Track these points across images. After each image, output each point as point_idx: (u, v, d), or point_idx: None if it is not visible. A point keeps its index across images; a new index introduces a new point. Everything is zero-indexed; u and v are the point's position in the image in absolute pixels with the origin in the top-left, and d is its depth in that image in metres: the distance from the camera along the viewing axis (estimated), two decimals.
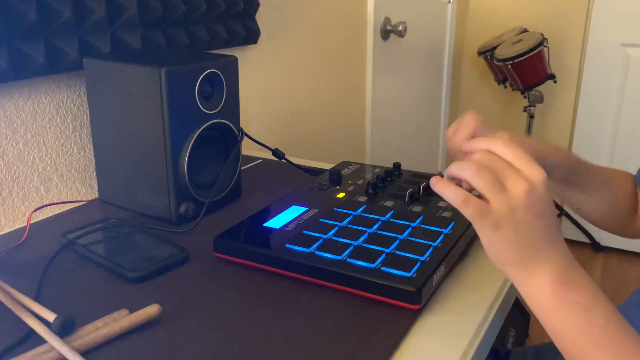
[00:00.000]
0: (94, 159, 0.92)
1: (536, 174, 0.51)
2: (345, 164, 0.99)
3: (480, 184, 0.51)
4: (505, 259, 0.52)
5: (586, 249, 2.72)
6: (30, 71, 0.81)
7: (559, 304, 0.49)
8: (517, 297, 0.77)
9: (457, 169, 0.53)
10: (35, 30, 0.81)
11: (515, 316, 1.21)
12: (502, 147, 0.53)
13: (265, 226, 0.73)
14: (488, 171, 0.51)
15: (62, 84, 0.90)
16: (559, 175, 0.74)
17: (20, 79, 0.82)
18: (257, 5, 1.24)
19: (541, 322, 0.51)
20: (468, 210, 0.51)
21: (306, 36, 1.52)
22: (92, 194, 0.97)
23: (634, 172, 0.85)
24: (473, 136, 0.69)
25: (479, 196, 0.52)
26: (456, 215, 0.76)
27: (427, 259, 0.64)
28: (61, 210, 0.88)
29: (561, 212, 2.61)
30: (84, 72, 0.84)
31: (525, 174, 0.51)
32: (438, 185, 0.53)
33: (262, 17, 1.31)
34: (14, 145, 0.84)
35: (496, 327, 0.64)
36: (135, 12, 0.94)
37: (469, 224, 0.74)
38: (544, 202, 0.51)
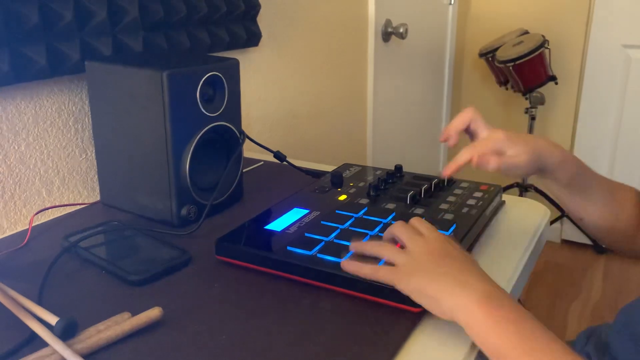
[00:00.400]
0: (95, 162, 0.92)
1: (433, 233, 0.62)
2: (347, 166, 0.99)
3: (384, 255, 0.61)
4: (433, 295, 0.55)
5: (588, 251, 2.72)
6: (32, 74, 0.81)
7: (489, 321, 0.52)
8: (519, 300, 0.77)
9: (364, 248, 0.64)
10: (37, 33, 0.81)
11: None
12: (413, 220, 0.65)
13: (266, 229, 0.73)
14: (386, 244, 0.62)
15: (64, 87, 0.90)
16: (563, 176, 0.73)
17: (22, 82, 0.82)
18: (259, 7, 1.25)
19: (479, 345, 0.53)
20: (381, 275, 0.59)
21: (307, 38, 1.52)
22: (94, 196, 0.97)
23: (637, 175, 0.84)
24: (468, 128, 0.76)
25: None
26: (458, 217, 0.76)
27: None
28: (63, 213, 0.88)
29: (563, 214, 2.60)
30: (86, 75, 0.84)
31: (424, 235, 0.62)
32: (350, 267, 0.61)
33: (263, 20, 1.31)
34: (16, 148, 0.85)
35: None
36: (137, 15, 0.95)
37: (471, 226, 0.74)
38: (445, 247, 0.60)
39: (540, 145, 0.71)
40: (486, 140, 0.71)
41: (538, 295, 2.37)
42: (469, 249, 0.74)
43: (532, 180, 2.66)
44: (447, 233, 0.71)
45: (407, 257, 0.59)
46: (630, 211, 0.81)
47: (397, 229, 0.63)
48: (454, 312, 0.54)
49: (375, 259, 0.62)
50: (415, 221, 0.65)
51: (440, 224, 0.73)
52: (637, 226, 0.82)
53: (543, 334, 0.51)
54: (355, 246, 0.65)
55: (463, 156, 0.69)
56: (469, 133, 0.77)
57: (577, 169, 0.74)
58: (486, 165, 0.67)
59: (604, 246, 0.90)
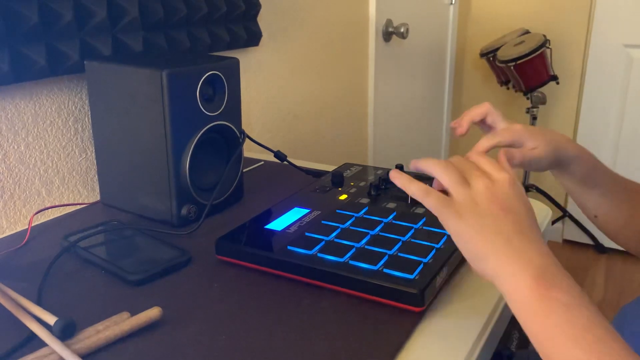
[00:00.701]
0: (95, 162, 0.92)
1: (500, 173, 0.54)
2: (348, 165, 0.98)
3: (444, 179, 0.53)
4: (476, 251, 0.50)
5: (590, 251, 2.71)
6: (31, 74, 0.81)
7: (540, 301, 0.46)
8: None
9: (424, 164, 0.55)
10: (36, 33, 0.81)
11: None
12: (474, 154, 0.57)
13: (267, 228, 0.73)
14: (453, 168, 0.54)
15: (64, 87, 0.90)
16: (579, 171, 0.72)
17: (22, 82, 0.82)
18: (259, 7, 1.24)
19: (521, 324, 0.48)
20: (430, 200, 0.52)
21: (308, 38, 1.51)
22: (94, 196, 0.97)
23: (638, 175, 0.83)
24: (484, 122, 0.74)
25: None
26: None
27: (430, 261, 0.63)
28: (62, 212, 0.88)
29: (564, 214, 2.60)
30: (86, 75, 0.84)
31: (489, 174, 0.54)
32: (399, 179, 0.55)
33: (264, 19, 1.31)
34: (16, 147, 0.84)
35: (500, 330, 0.63)
36: (137, 15, 0.94)
37: None
38: (510, 197, 0.52)
39: (558, 138, 0.69)
40: (506, 131, 0.69)
41: None
42: None
43: (534, 180, 2.66)
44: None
45: (467, 194, 0.52)
46: None
47: (460, 162, 0.56)
48: (498, 277, 0.49)
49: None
50: (480, 158, 0.57)
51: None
52: None
53: (600, 325, 0.45)
54: (414, 162, 0.57)
55: (483, 144, 0.65)
56: (484, 126, 0.76)
57: (592, 165, 0.73)
58: (511, 159, 0.63)
59: (619, 246, 0.88)
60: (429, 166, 0.55)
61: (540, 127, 0.72)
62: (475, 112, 0.74)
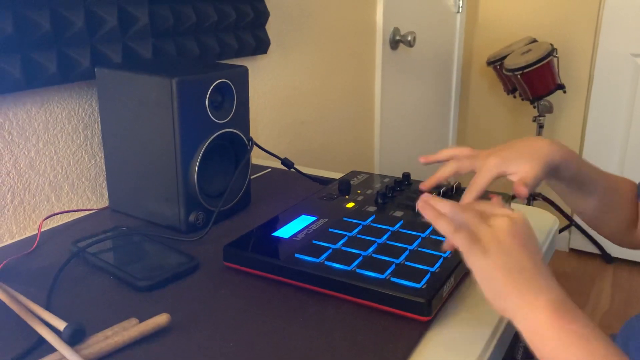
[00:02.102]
0: (104, 168, 0.92)
1: (515, 213, 0.55)
2: (355, 173, 0.99)
3: (465, 217, 0.55)
4: (499, 289, 0.51)
5: (597, 260, 2.70)
6: (43, 80, 0.82)
7: (560, 335, 0.48)
8: None
9: (441, 206, 0.57)
10: (48, 40, 0.82)
11: None
12: (476, 205, 0.58)
13: (274, 236, 0.73)
14: (471, 209, 0.56)
15: (74, 93, 0.91)
16: (566, 174, 0.72)
17: (33, 88, 0.83)
18: (267, 15, 1.25)
19: (540, 358, 0.50)
20: (460, 237, 0.53)
21: (315, 46, 1.52)
22: (103, 202, 0.97)
23: None
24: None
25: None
26: None
27: (437, 270, 0.64)
28: (72, 218, 0.89)
29: (571, 223, 2.59)
30: (96, 82, 0.85)
31: (506, 213, 0.55)
32: (429, 213, 0.56)
33: (272, 27, 1.32)
34: (26, 153, 0.85)
35: (506, 340, 0.63)
36: (147, 22, 0.95)
37: None
38: (528, 234, 0.54)
39: (541, 151, 0.68)
40: (483, 174, 0.67)
41: None
42: None
43: (540, 188, 2.65)
44: None
45: (490, 232, 0.53)
46: (629, 204, 0.81)
47: (474, 204, 0.58)
48: (518, 314, 0.50)
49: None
50: (485, 204, 0.59)
51: None
52: (635, 221, 0.83)
53: (615, 355, 0.47)
54: (432, 200, 0.58)
55: (466, 198, 0.67)
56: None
57: (578, 166, 0.73)
58: (521, 197, 0.65)
59: (604, 237, 0.90)
60: (446, 208, 0.56)
61: (518, 143, 0.70)
62: (445, 175, 0.72)
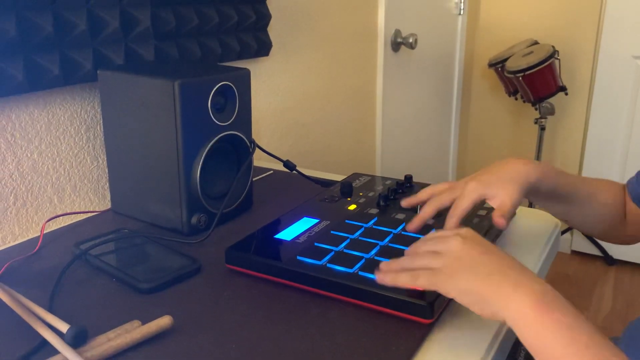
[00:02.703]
0: (107, 170, 0.93)
1: (462, 230, 0.59)
2: (356, 175, 0.99)
3: (418, 262, 0.58)
4: (480, 296, 0.53)
5: (598, 262, 2.69)
6: (45, 83, 0.82)
7: (543, 324, 0.49)
8: None
9: (397, 264, 0.60)
10: (50, 43, 0.82)
11: None
12: (422, 240, 0.62)
13: (276, 238, 0.73)
14: (421, 249, 0.60)
15: (77, 95, 0.91)
16: (544, 190, 0.74)
17: (36, 91, 0.83)
18: (269, 17, 1.25)
19: (528, 349, 0.51)
20: (421, 280, 0.56)
21: (317, 48, 1.52)
22: (105, 204, 0.98)
23: None
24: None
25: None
26: (468, 226, 0.76)
27: None
28: (74, 220, 0.89)
29: (571, 227, 2.58)
30: (98, 84, 0.85)
31: (456, 234, 0.58)
32: (387, 279, 0.59)
33: (274, 29, 1.32)
34: (29, 155, 0.85)
35: (508, 342, 0.63)
36: (149, 25, 0.95)
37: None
38: (481, 242, 0.57)
39: (518, 173, 0.70)
40: (463, 199, 0.70)
41: None
42: None
43: None
44: None
45: (445, 259, 0.56)
46: (613, 207, 0.83)
47: (421, 242, 0.61)
48: (504, 313, 0.51)
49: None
50: (436, 233, 0.63)
51: None
52: (623, 216, 0.84)
53: (602, 342, 0.48)
54: (384, 266, 0.61)
55: (449, 224, 0.69)
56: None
57: (554, 180, 0.74)
58: (500, 228, 0.67)
59: (594, 237, 0.92)
60: (399, 264, 0.60)
61: (490, 170, 0.72)
62: (427, 214, 0.73)
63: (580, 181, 0.80)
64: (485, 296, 0.52)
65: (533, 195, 0.75)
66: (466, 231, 0.59)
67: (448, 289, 0.55)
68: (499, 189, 0.69)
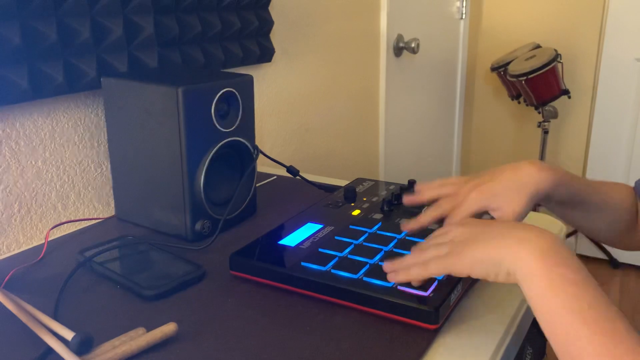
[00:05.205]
0: (110, 177, 0.93)
1: (462, 220, 0.62)
2: (360, 180, 0.99)
3: (426, 254, 0.58)
4: (492, 262, 0.52)
5: (603, 266, 2.68)
6: (49, 91, 0.83)
7: (548, 279, 0.48)
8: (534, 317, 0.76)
9: (403, 262, 0.60)
10: (54, 51, 0.82)
11: (533, 334, 1.19)
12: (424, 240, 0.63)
13: (280, 244, 0.73)
14: (422, 245, 0.61)
15: (81, 103, 0.91)
16: (557, 199, 0.70)
17: (40, 98, 0.83)
18: (272, 23, 1.26)
19: (532, 308, 0.50)
20: (432, 267, 0.56)
21: (320, 53, 1.53)
22: (109, 211, 0.98)
23: None
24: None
25: None
26: None
27: (444, 278, 0.63)
28: (78, 227, 0.89)
29: (576, 230, 2.57)
30: (102, 91, 0.85)
31: (456, 224, 0.60)
32: (399, 277, 0.59)
33: (276, 35, 1.32)
34: (33, 163, 0.86)
35: (514, 347, 0.63)
36: (152, 32, 0.96)
37: None
38: (482, 221, 0.59)
39: (528, 183, 0.65)
40: (461, 209, 0.66)
41: None
42: None
43: None
44: None
45: (450, 244, 0.57)
46: (625, 212, 0.80)
47: (423, 242, 0.62)
48: (515, 270, 0.50)
49: None
50: (436, 232, 0.63)
51: None
52: (635, 220, 0.81)
53: (605, 303, 0.46)
54: (393, 265, 0.61)
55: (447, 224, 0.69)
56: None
57: (569, 189, 0.70)
58: None
59: (601, 243, 0.89)
60: (406, 262, 0.60)
61: (497, 177, 0.66)
62: (426, 222, 0.71)
63: (593, 186, 0.76)
64: (496, 259, 0.52)
65: (545, 202, 0.71)
66: (465, 218, 0.61)
67: (460, 268, 0.54)
68: (503, 202, 0.64)
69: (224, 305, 0.65)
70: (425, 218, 0.71)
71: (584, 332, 0.45)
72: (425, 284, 0.61)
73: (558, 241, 0.51)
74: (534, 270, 0.49)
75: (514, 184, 0.66)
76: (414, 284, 0.61)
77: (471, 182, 0.69)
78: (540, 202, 0.71)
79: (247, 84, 0.85)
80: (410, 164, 2.22)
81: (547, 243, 0.51)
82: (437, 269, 0.56)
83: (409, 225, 0.71)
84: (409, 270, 0.58)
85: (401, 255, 0.69)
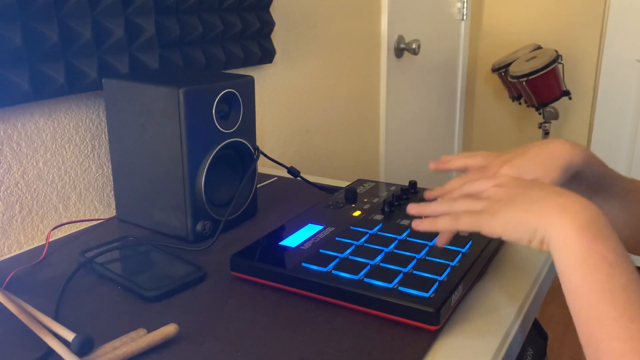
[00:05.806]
0: (111, 178, 0.93)
1: (500, 177, 0.57)
2: (361, 181, 0.99)
3: (459, 205, 0.56)
4: (526, 226, 0.50)
5: None
6: (50, 92, 0.83)
7: (585, 254, 0.46)
8: (535, 318, 0.76)
9: (433, 208, 0.59)
10: (56, 52, 0.82)
11: (533, 336, 1.19)
12: (456, 181, 0.62)
13: (281, 245, 0.73)
14: (460, 196, 0.58)
15: (82, 104, 0.91)
16: (588, 179, 0.67)
17: (41, 100, 0.83)
18: (273, 25, 1.26)
19: (562, 280, 0.48)
20: (463, 221, 0.54)
21: (321, 54, 1.53)
22: (110, 212, 0.98)
23: None
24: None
25: None
26: (473, 234, 0.75)
27: (445, 279, 0.63)
28: (79, 228, 0.89)
29: None
30: (103, 92, 0.86)
31: (491, 184, 0.57)
32: (424, 225, 0.57)
33: (278, 37, 1.32)
34: (34, 164, 0.86)
35: (515, 348, 0.63)
36: (153, 33, 0.96)
37: (487, 243, 0.73)
38: (523, 181, 0.55)
39: (560, 157, 0.62)
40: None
41: (554, 311, 2.34)
42: (486, 264, 0.74)
43: None
44: (464, 250, 0.71)
45: (486, 201, 0.53)
46: None
47: (456, 183, 0.59)
48: (550, 239, 0.48)
49: None
50: (470, 176, 0.60)
51: (456, 240, 0.72)
52: None
53: (638, 288, 0.44)
54: (415, 208, 0.58)
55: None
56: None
57: (603, 169, 0.67)
58: None
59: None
60: (435, 208, 0.58)
61: (529, 151, 0.64)
62: (460, 163, 0.70)
63: (620, 176, 0.72)
64: (533, 225, 0.50)
65: (575, 184, 0.67)
66: (504, 178, 0.56)
67: (493, 227, 0.52)
68: (538, 173, 0.61)
69: (224, 306, 0.65)
70: (451, 186, 0.65)
71: (612, 314, 0.43)
72: (425, 285, 0.61)
73: (601, 216, 0.49)
74: (571, 244, 0.47)
75: (546, 157, 0.63)
76: (439, 241, 0.57)
77: (502, 157, 0.66)
78: (571, 184, 0.67)
79: (248, 85, 0.85)
80: (411, 165, 2.22)
81: (589, 216, 0.48)
82: (468, 224, 0.53)
83: (432, 194, 0.66)
84: (436, 219, 0.55)
85: (402, 256, 0.69)
